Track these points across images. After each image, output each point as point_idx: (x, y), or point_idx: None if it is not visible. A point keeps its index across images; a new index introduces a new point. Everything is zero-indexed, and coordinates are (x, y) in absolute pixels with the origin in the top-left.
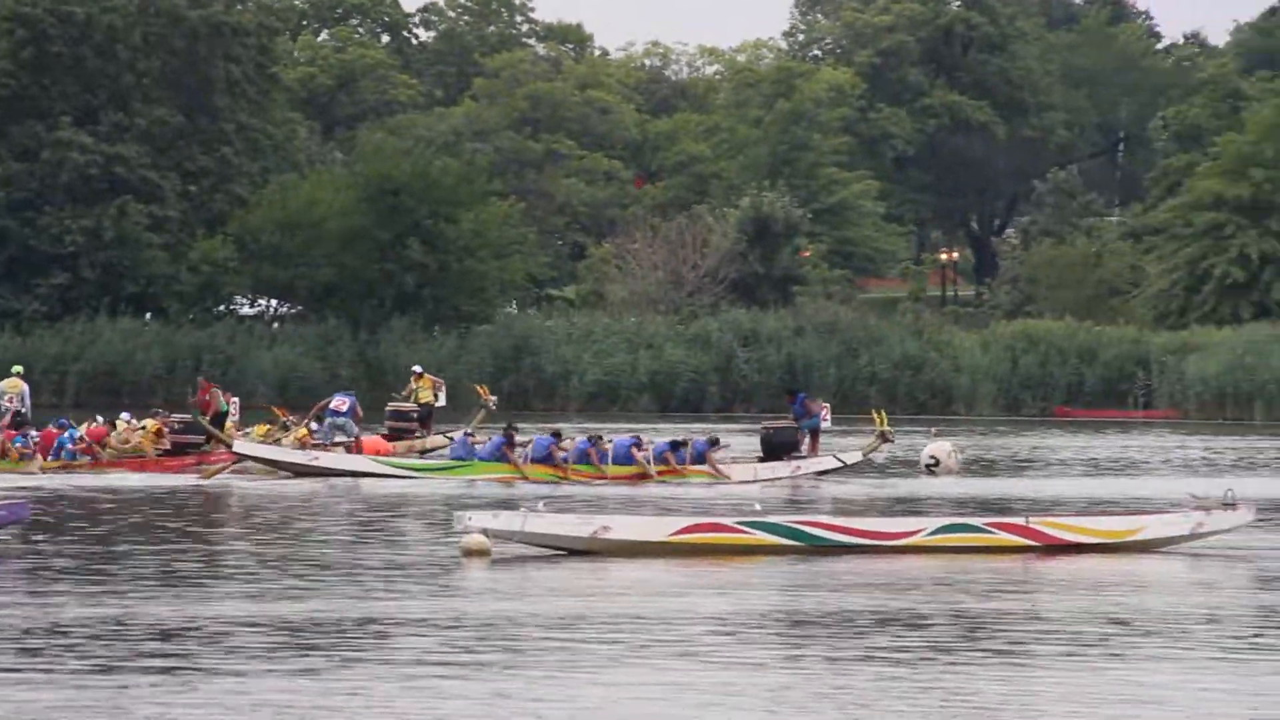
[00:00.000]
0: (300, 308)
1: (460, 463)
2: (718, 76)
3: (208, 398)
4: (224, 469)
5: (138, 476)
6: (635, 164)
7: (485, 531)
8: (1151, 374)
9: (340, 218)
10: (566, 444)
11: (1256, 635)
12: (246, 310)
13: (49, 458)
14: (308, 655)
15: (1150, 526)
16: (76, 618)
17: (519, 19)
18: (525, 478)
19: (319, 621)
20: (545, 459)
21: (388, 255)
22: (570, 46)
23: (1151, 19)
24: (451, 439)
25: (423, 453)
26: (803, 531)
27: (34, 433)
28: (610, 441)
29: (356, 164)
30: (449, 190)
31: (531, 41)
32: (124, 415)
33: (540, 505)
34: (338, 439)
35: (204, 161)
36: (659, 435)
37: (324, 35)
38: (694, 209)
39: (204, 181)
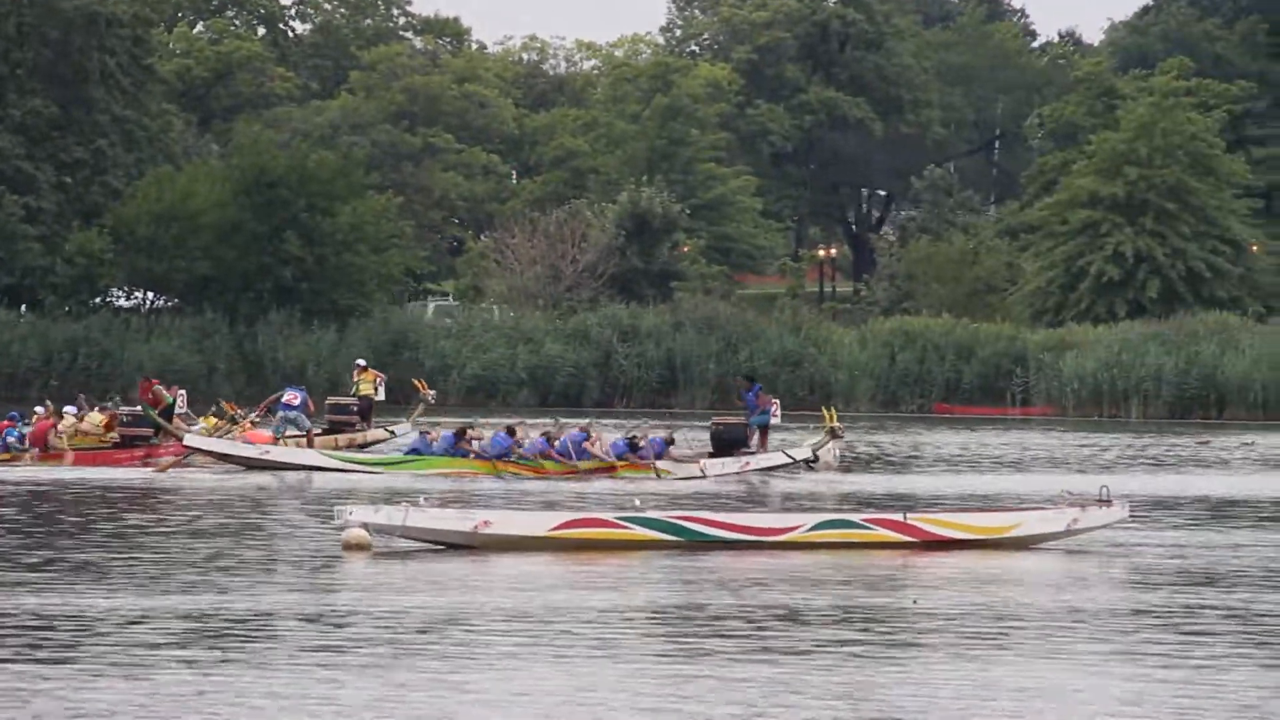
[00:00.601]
0: (177, 300)
1: (414, 457)
2: (595, 71)
3: (150, 395)
4: (177, 462)
5: (87, 470)
6: (513, 158)
7: (366, 526)
8: (1028, 371)
9: (217, 210)
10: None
11: (1133, 631)
12: (123, 303)
13: None
14: (198, 648)
15: (1026, 523)
16: None
17: (396, 12)
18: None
19: (207, 614)
20: (502, 456)
21: (265, 248)
22: (448, 40)
23: (1026, 17)
24: (392, 432)
25: (362, 446)
26: (683, 527)
27: None
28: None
29: (233, 157)
30: (326, 184)
31: (409, 35)
32: (69, 408)
33: (422, 500)
34: (290, 433)
35: (79, 153)
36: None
37: (200, 27)
38: (572, 204)
39: (79, 173)
